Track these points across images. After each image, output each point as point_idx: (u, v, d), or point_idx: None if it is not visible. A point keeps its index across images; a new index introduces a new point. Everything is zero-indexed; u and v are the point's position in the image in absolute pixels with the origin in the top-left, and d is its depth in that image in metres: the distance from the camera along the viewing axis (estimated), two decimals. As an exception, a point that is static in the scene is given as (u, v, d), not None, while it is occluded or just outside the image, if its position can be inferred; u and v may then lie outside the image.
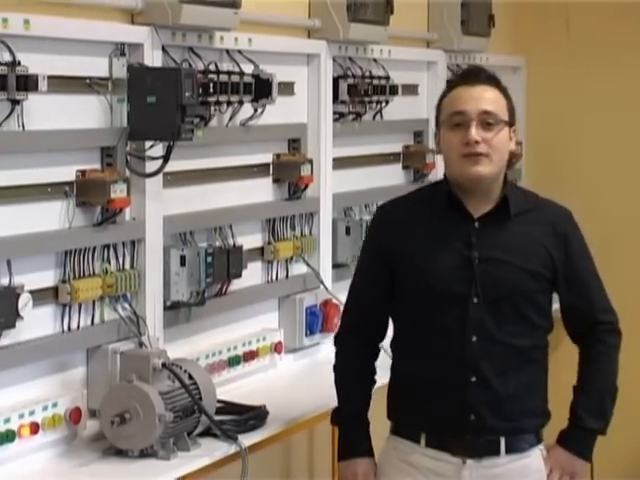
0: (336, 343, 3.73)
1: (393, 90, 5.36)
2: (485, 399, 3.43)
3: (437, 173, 5.78)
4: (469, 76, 3.55)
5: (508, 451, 3.46)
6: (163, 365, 3.78)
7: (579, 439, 3.58)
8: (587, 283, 3.60)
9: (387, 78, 5.36)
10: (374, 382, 3.67)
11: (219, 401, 3.96)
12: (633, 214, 6.63)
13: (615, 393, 3.60)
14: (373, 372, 3.66)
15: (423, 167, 5.73)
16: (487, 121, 3.42)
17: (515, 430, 3.47)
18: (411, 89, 5.73)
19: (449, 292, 3.45)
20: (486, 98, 3.45)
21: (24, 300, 3.51)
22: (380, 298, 3.59)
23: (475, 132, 3.39)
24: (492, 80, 3.52)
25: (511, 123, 3.50)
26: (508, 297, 3.45)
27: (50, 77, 3.55)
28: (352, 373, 3.66)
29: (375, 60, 5.32)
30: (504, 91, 3.53)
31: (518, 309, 3.47)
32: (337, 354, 3.70)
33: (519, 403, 3.47)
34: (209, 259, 4.21)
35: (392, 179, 5.65)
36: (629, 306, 6.50)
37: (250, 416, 3.96)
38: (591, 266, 3.64)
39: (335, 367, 3.69)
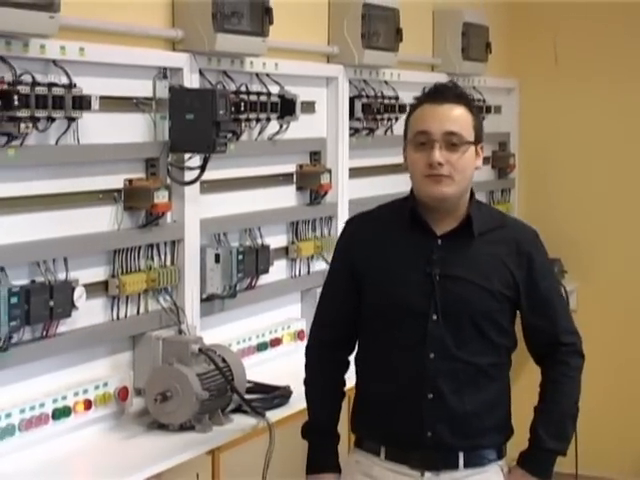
0: (306, 356, 3.36)
1: (402, 109, 5.35)
2: (442, 416, 3.09)
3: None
4: (436, 94, 3.14)
5: (467, 465, 3.13)
6: (200, 350, 3.79)
7: (538, 460, 3.20)
8: (550, 304, 3.22)
9: (397, 98, 5.36)
10: (343, 395, 3.34)
11: (249, 382, 3.96)
12: (614, 217, 6.60)
13: (576, 414, 3.24)
14: (342, 385, 3.33)
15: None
16: (452, 142, 3.05)
17: (474, 446, 3.14)
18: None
19: (409, 308, 3.11)
20: (451, 118, 3.08)
21: (79, 293, 3.52)
22: (347, 311, 3.24)
23: (439, 154, 3.04)
24: (460, 98, 3.14)
25: (477, 141, 3.13)
26: (467, 315, 3.10)
27: (101, 97, 3.56)
28: (321, 387, 3.33)
29: (386, 82, 5.32)
30: (472, 109, 3.15)
31: (478, 327, 3.11)
32: (306, 367, 3.36)
33: (477, 420, 3.12)
34: (240, 257, 4.23)
35: (401, 186, 5.63)
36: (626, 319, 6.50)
37: (276, 395, 3.96)
38: (555, 287, 3.29)
39: (305, 381, 3.37)
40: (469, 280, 3.11)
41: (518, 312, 3.22)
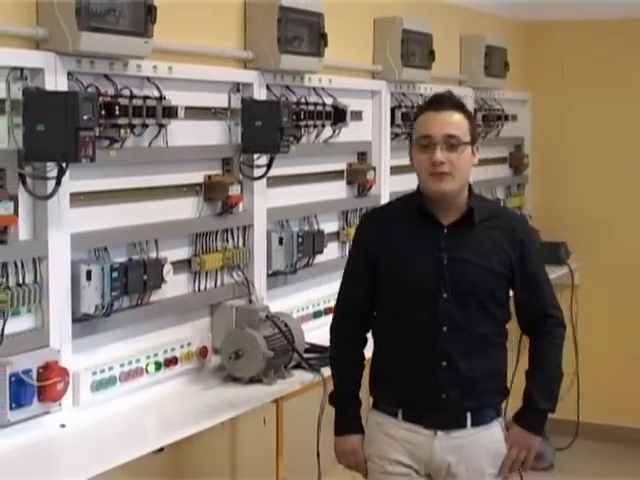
0: (330, 334, 3.31)
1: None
2: (454, 380, 3.05)
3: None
4: (436, 103, 3.10)
5: (473, 424, 3.10)
6: (266, 316, 3.81)
7: (533, 418, 3.16)
8: (539, 282, 3.18)
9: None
10: (363, 367, 3.26)
11: (307, 343, 3.96)
12: (612, 207, 6.55)
13: (561, 377, 3.19)
14: (362, 359, 3.25)
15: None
16: (451, 143, 3.00)
17: (479, 406, 3.11)
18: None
19: (422, 289, 3.06)
20: (450, 123, 3.03)
21: (167, 269, 3.54)
22: (365, 295, 3.17)
23: (440, 154, 2.99)
24: (456, 105, 3.09)
25: (473, 142, 3.07)
26: (472, 292, 3.07)
27: (186, 108, 3.58)
28: (344, 361, 3.26)
29: (421, 95, 5.28)
30: (467, 114, 3.09)
31: (481, 302, 3.08)
32: (331, 343, 3.30)
33: (483, 383, 3.10)
34: (300, 240, 4.23)
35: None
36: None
37: (329, 355, 3.96)
38: (542, 268, 3.24)
39: (330, 356, 3.34)
40: (473, 262, 3.07)
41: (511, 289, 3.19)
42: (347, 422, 3.23)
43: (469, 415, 3.09)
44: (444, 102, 3.10)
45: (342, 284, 3.29)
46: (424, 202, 3.10)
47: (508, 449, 3.15)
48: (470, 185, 3.14)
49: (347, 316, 3.24)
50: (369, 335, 3.26)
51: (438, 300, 3.05)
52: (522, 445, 3.16)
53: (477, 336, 3.08)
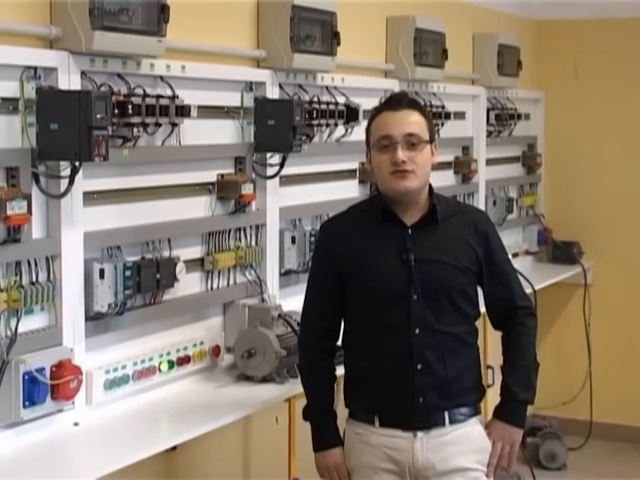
0: (299, 347, 3.26)
1: (447, 116, 5.32)
2: (430, 383, 2.99)
3: (479, 177, 5.78)
4: (393, 102, 3.05)
5: (451, 422, 3.03)
6: (279, 315, 3.81)
7: (513, 410, 3.11)
8: (506, 274, 3.13)
9: (443, 107, 5.31)
10: (335, 378, 3.17)
11: (319, 342, 3.96)
12: (624, 207, 6.53)
13: (537, 368, 3.15)
14: (333, 369, 3.17)
15: (469, 172, 5.69)
16: (411, 142, 2.95)
17: (456, 405, 3.04)
18: (459, 115, 5.69)
19: (392, 292, 2.98)
20: (409, 121, 2.97)
21: (180, 267, 3.54)
22: (332, 305, 3.09)
23: (402, 153, 2.94)
24: (414, 104, 3.06)
25: (432, 140, 3.02)
26: (443, 292, 3.00)
27: (199, 106, 3.58)
28: (314, 373, 3.17)
29: (434, 94, 5.27)
30: (424, 113, 3.04)
31: (452, 301, 3.01)
32: (300, 357, 3.25)
33: (458, 382, 3.03)
34: (312, 239, 4.21)
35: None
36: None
37: (340, 353, 3.95)
38: (508, 259, 3.19)
39: (300, 369, 3.29)
40: (440, 261, 3.02)
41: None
42: (325, 436, 3.13)
43: (446, 414, 3.03)
44: (401, 101, 3.04)
45: (306, 295, 3.19)
46: (386, 203, 3.05)
47: (492, 445, 3.10)
48: (430, 184, 3.09)
49: (314, 328, 3.16)
50: (338, 344, 3.17)
51: (408, 302, 2.98)
52: (505, 439, 3.10)
53: (450, 336, 3.02)
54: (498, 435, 3.10)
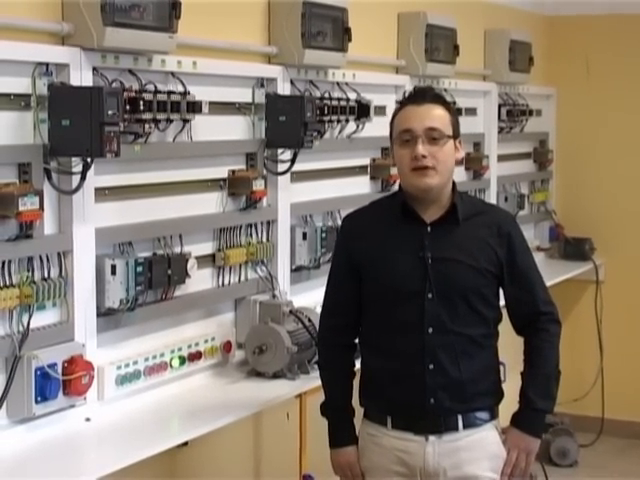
0: (318, 343, 3.24)
1: (459, 112, 5.28)
2: (442, 384, 2.92)
3: (490, 173, 5.77)
4: (416, 96, 2.99)
5: (465, 427, 2.96)
6: (290, 311, 3.82)
7: (530, 419, 3.02)
8: (529, 277, 3.04)
9: (454, 103, 5.28)
10: (354, 374, 3.11)
11: (330, 338, 3.96)
12: (636, 203, 6.52)
13: (558, 376, 3.04)
14: (352, 366, 3.11)
15: (480, 168, 5.68)
16: (432, 136, 2.89)
17: (470, 409, 2.97)
18: (471, 111, 5.68)
19: (406, 290, 2.93)
20: (431, 116, 2.91)
21: (191, 263, 3.54)
22: (351, 300, 3.04)
23: (422, 147, 2.87)
24: (437, 98, 2.99)
25: (455, 136, 2.96)
26: (459, 292, 2.94)
27: (210, 103, 3.58)
28: (333, 370, 3.12)
29: (445, 90, 5.23)
30: (448, 108, 2.98)
31: (468, 302, 2.94)
32: (319, 353, 3.22)
33: (472, 386, 2.95)
34: (323, 235, 4.22)
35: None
36: None
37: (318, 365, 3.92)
38: (532, 262, 3.08)
39: (319, 365, 3.21)
40: (458, 260, 2.95)
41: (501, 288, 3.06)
42: (341, 434, 3.09)
43: (460, 418, 2.97)
44: (424, 95, 2.99)
45: (326, 291, 3.15)
46: (407, 200, 3.00)
47: (507, 453, 3.02)
48: (454, 182, 3.03)
49: (333, 324, 3.11)
50: (357, 341, 3.13)
51: (423, 301, 2.93)
52: (521, 448, 3.02)
53: (465, 338, 2.96)
54: (514, 443, 3.03)
